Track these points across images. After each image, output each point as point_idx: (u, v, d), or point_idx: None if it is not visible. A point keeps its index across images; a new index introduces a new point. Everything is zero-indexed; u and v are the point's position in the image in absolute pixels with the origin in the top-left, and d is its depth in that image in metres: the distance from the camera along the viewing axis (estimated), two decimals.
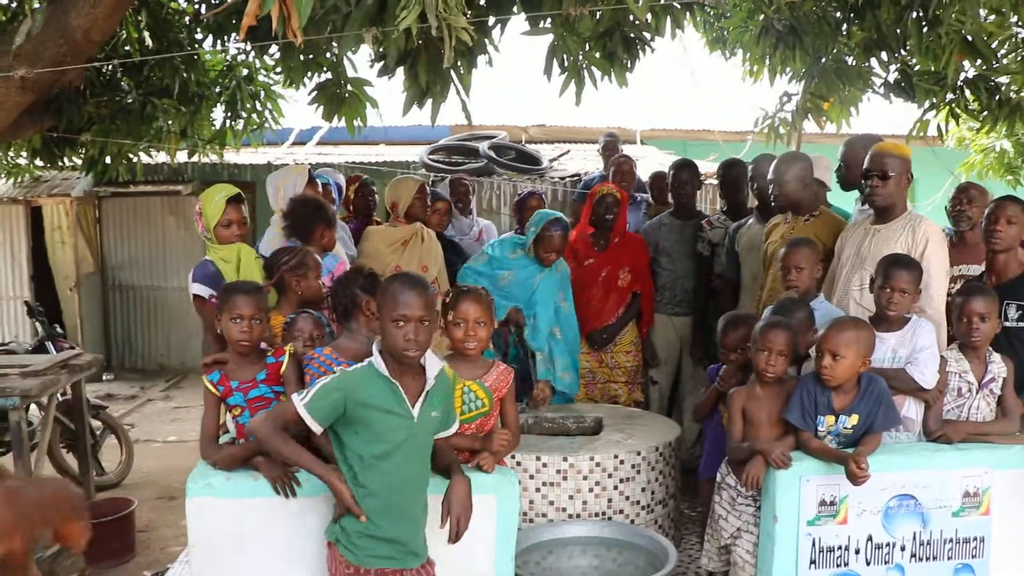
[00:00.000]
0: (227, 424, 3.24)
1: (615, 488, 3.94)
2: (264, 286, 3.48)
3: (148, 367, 10.35)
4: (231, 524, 2.96)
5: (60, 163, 6.32)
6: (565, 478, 3.91)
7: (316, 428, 2.55)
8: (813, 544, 3.17)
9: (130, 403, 8.77)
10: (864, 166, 3.75)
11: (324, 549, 2.78)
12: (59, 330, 6.53)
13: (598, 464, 3.92)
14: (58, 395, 5.24)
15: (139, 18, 5.61)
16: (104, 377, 9.68)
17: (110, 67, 5.67)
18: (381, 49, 3.94)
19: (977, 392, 3.37)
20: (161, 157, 7.15)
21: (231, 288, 3.11)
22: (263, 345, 3.19)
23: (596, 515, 3.94)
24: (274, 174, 4.67)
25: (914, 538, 3.21)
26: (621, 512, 3.96)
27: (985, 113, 5.65)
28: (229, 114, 6.35)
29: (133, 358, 10.42)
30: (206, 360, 3.19)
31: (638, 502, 4.00)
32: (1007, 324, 3.56)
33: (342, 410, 2.53)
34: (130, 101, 5.74)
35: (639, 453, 3.99)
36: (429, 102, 4.28)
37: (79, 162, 6.39)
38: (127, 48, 5.73)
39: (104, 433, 6.15)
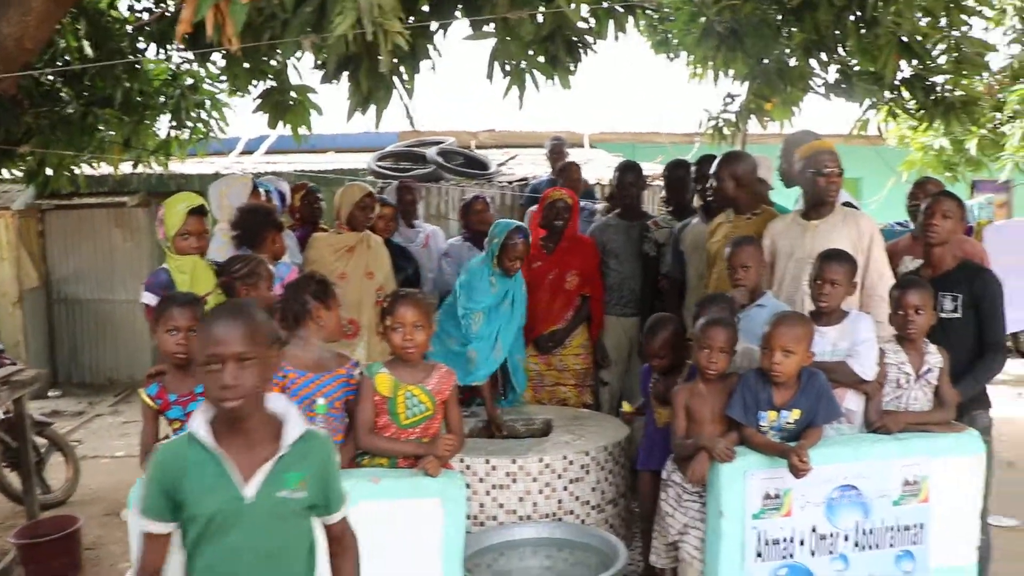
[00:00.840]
0: (169, 437, 3.20)
1: (565, 489, 3.95)
2: (204, 295, 3.45)
3: (96, 382, 10.14)
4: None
5: None
6: (514, 480, 3.91)
7: (162, 529, 2.13)
8: (759, 537, 3.21)
9: (77, 419, 8.59)
10: (816, 165, 3.84)
11: None
12: None
13: (547, 465, 3.93)
14: None
15: (78, 27, 5.51)
16: (50, 393, 9.48)
17: (49, 77, 5.58)
18: (323, 55, 3.93)
19: (915, 383, 3.44)
20: (105, 168, 7.04)
21: (167, 300, 3.08)
22: None
23: (546, 516, 3.95)
24: (216, 183, 4.64)
25: (856, 528, 3.26)
26: (571, 513, 3.98)
27: (922, 112, 5.79)
28: (174, 124, 6.27)
29: (80, 373, 10.20)
30: (150, 371, 3.16)
31: (588, 502, 4.02)
32: (942, 315, 3.65)
33: (175, 495, 2.09)
34: (71, 111, 5.65)
35: (588, 453, 4.01)
36: (373, 108, 4.28)
37: (19, 174, 6.27)
38: (67, 57, 5.63)
39: (49, 450, 6.01)
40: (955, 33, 5.36)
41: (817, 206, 3.91)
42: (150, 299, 3.74)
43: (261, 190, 4.71)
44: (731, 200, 4.41)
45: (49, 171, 5.98)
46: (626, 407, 4.09)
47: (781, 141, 5.09)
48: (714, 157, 4.74)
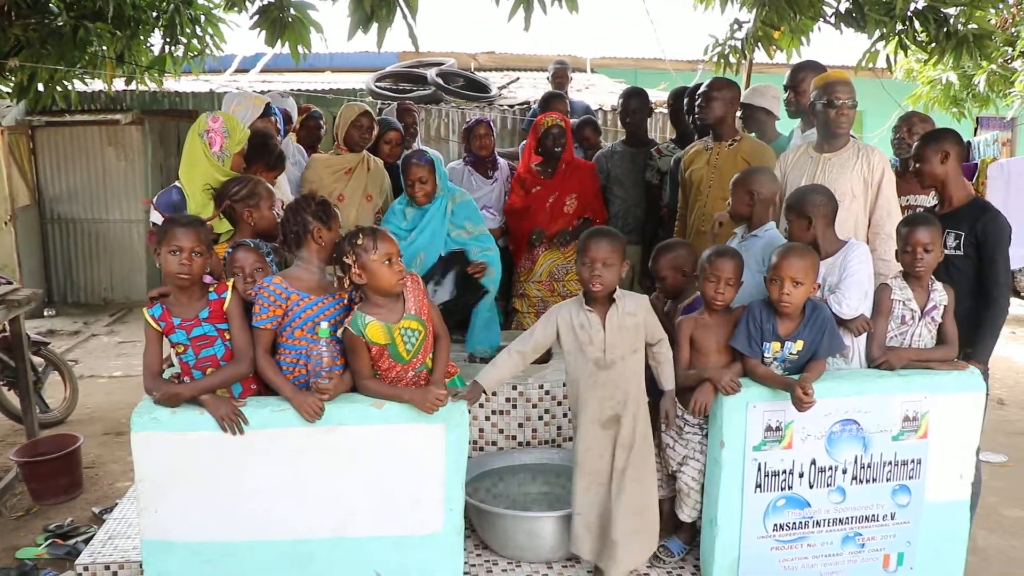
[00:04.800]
0: (172, 359, 3.18)
1: (564, 416, 3.98)
2: (210, 217, 3.40)
3: (91, 302, 10.13)
4: (178, 457, 2.93)
5: None
6: (515, 406, 3.93)
7: None
8: (759, 468, 3.23)
9: (73, 339, 8.60)
10: (828, 96, 3.77)
11: (270, 480, 2.76)
12: None
13: (547, 392, 3.95)
14: None
15: None
16: (45, 313, 9.47)
17: None
18: None
19: (919, 320, 3.44)
20: (98, 85, 6.89)
21: (170, 221, 3.01)
22: (208, 279, 3.11)
23: (545, 442, 3.98)
24: (230, 95, 4.54)
25: (855, 461, 3.29)
26: (570, 440, 4.00)
27: (933, 45, 5.67)
28: (168, 40, 6.11)
29: (75, 293, 10.18)
30: (152, 293, 3.10)
31: None
32: (946, 252, 3.62)
33: None
34: (61, 24, 5.49)
35: None
36: (375, 27, 4.16)
37: (8, 90, 6.12)
38: None
39: (47, 370, 6.02)
40: None
41: (829, 139, 3.85)
42: (159, 218, 3.66)
43: (274, 118, 4.60)
44: (719, 124, 4.48)
45: (40, 86, 5.84)
46: None
47: (787, 71, 4.99)
48: None
